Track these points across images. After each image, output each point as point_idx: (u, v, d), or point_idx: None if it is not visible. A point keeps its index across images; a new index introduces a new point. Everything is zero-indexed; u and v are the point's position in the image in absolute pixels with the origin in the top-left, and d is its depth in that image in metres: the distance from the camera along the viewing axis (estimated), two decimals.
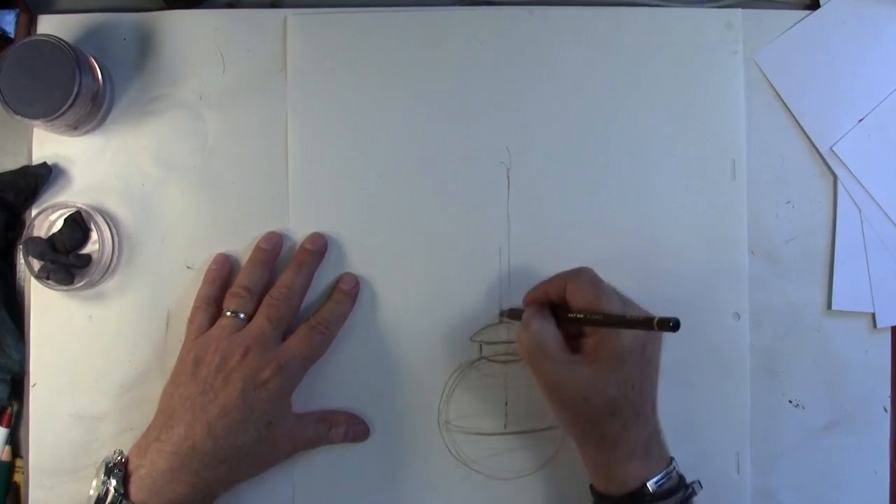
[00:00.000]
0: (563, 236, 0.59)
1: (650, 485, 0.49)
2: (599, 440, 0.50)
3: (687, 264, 0.59)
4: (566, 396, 0.50)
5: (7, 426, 0.57)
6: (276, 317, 0.54)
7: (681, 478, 0.51)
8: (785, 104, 0.60)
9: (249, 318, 0.55)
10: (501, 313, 0.58)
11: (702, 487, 0.51)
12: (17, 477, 0.58)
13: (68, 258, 0.56)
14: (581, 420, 0.50)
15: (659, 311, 0.52)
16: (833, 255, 0.60)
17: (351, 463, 0.58)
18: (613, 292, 0.51)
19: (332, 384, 0.58)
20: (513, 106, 0.59)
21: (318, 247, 0.57)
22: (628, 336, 0.49)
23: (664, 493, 0.50)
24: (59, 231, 0.56)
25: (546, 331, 0.51)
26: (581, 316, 0.50)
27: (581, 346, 0.51)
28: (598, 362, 0.49)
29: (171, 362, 0.55)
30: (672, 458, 0.51)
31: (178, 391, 0.53)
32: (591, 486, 0.52)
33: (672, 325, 0.43)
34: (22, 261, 0.57)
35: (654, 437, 0.51)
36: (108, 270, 0.57)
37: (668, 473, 0.50)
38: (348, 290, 0.57)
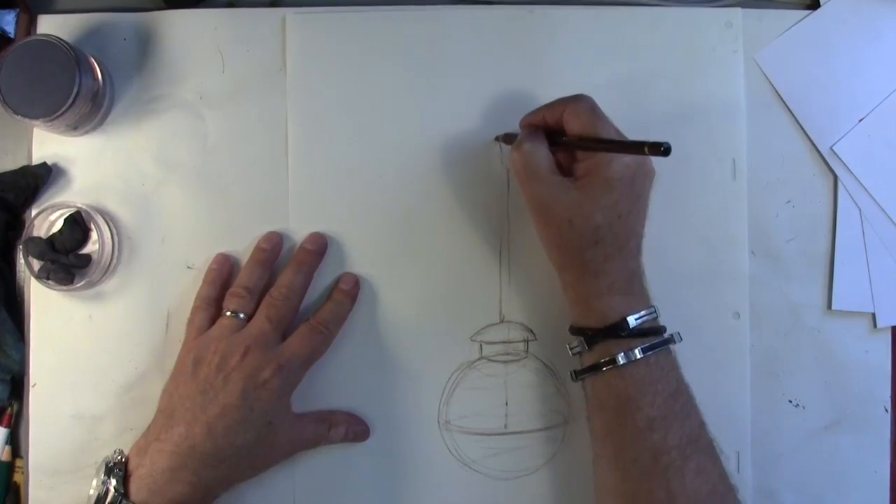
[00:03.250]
0: None
1: (630, 319, 0.50)
2: (581, 268, 0.50)
3: (687, 264, 0.59)
4: (552, 217, 0.50)
5: (7, 426, 0.57)
6: (276, 317, 0.54)
7: (661, 326, 0.51)
8: (785, 104, 0.60)
9: (249, 318, 0.55)
10: (497, 138, 0.58)
11: (681, 339, 0.52)
12: (17, 477, 0.58)
13: (68, 258, 0.56)
14: (564, 244, 0.51)
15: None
16: (833, 255, 0.60)
17: (351, 463, 0.58)
18: (610, 122, 0.51)
19: (332, 384, 0.58)
20: (513, 106, 0.59)
21: (318, 247, 0.57)
22: (619, 165, 0.49)
23: (643, 330, 0.50)
24: (59, 231, 0.57)
25: (538, 151, 0.51)
26: (574, 139, 0.50)
27: (572, 172, 0.51)
28: (587, 187, 0.50)
29: (171, 362, 0.55)
30: (654, 304, 0.51)
31: (178, 391, 0.53)
32: (571, 326, 0.53)
33: (663, 149, 0.43)
34: (22, 261, 0.56)
35: (636, 276, 0.51)
36: (108, 270, 0.57)
37: (649, 313, 0.51)
38: (348, 290, 0.57)
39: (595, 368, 0.51)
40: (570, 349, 0.53)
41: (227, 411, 0.51)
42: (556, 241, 0.51)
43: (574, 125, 0.50)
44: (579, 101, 0.51)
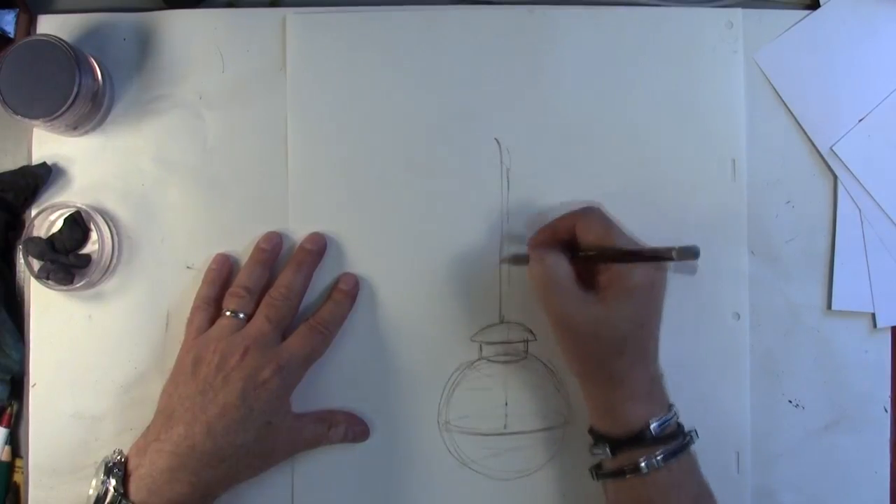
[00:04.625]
0: None
1: (653, 427, 0.50)
2: (606, 379, 0.50)
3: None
4: (578, 332, 0.50)
5: (7, 426, 0.57)
6: (275, 317, 0.54)
7: (679, 425, 0.51)
8: (785, 104, 0.60)
9: (249, 318, 0.55)
10: (502, 260, 0.58)
11: (698, 437, 0.52)
12: (17, 477, 0.58)
13: (68, 258, 0.56)
14: (589, 357, 0.51)
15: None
16: (833, 255, 0.60)
17: (351, 463, 0.58)
18: (623, 231, 0.51)
19: (332, 384, 0.58)
20: (512, 106, 0.59)
21: (318, 247, 0.57)
22: (639, 273, 0.49)
23: (666, 436, 0.50)
24: (59, 231, 0.57)
25: (560, 265, 0.51)
26: (595, 252, 0.50)
27: (592, 284, 0.51)
28: (609, 299, 0.50)
29: (171, 362, 0.55)
30: (673, 405, 0.52)
31: (178, 391, 0.53)
32: (591, 429, 0.53)
33: (694, 253, 0.43)
34: (22, 261, 0.56)
35: (656, 380, 0.51)
36: (107, 270, 0.57)
37: (668, 418, 0.51)
38: (348, 290, 0.57)
39: (617, 474, 0.51)
40: (591, 450, 0.53)
41: (227, 411, 0.51)
42: (581, 354, 0.51)
43: (589, 238, 0.51)
44: (591, 214, 0.51)
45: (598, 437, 0.52)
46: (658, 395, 0.51)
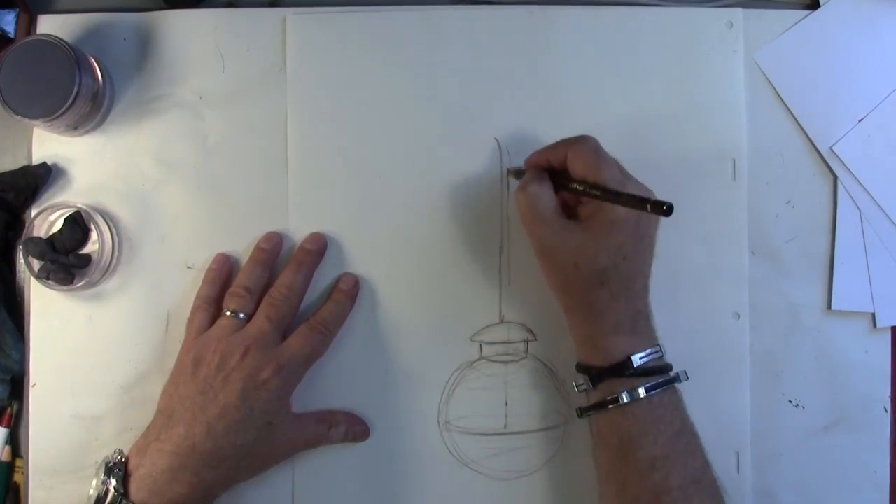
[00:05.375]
0: None
1: (634, 358, 0.50)
2: (587, 309, 0.51)
3: (687, 264, 0.59)
4: (557, 260, 0.51)
5: (7, 426, 0.57)
6: (275, 317, 0.54)
7: (667, 364, 0.51)
8: (785, 104, 0.60)
9: (249, 318, 0.55)
10: (508, 171, 0.58)
11: (687, 377, 0.52)
12: (17, 477, 0.58)
13: (68, 258, 0.56)
14: (570, 286, 0.51)
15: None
16: (833, 255, 0.60)
17: (351, 463, 0.58)
18: (614, 163, 0.51)
19: (332, 384, 0.58)
20: (513, 106, 0.59)
21: (318, 246, 0.57)
22: (623, 207, 0.49)
23: (648, 369, 0.50)
24: (59, 231, 0.56)
25: (542, 194, 0.51)
26: (579, 187, 0.50)
27: (577, 213, 0.52)
28: (591, 229, 0.50)
29: (171, 362, 0.55)
30: (659, 343, 0.52)
31: (178, 391, 0.53)
32: (577, 364, 0.53)
33: (665, 208, 0.44)
34: (22, 261, 0.56)
35: (641, 315, 0.51)
36: (107, 270, 0.57)
37: (653, 352, 0.51)
38: (348, 291, 0.57)
39: (599, 407, 0.51)
40: (577, 386, 0.53)
41: (227, 411, 0.51)
42: (561, 283, 0.52)
43: (578, 166, 0.50)
44: (583, 143, 0.51)
45: (582, 369, 0.52)
46: (643, 330, 0.51)
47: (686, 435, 0.51)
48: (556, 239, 0.50)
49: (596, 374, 0.51)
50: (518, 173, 0.57)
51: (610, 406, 0.50)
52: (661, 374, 0.51)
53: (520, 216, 0.52)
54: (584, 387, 0.52)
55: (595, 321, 0.51)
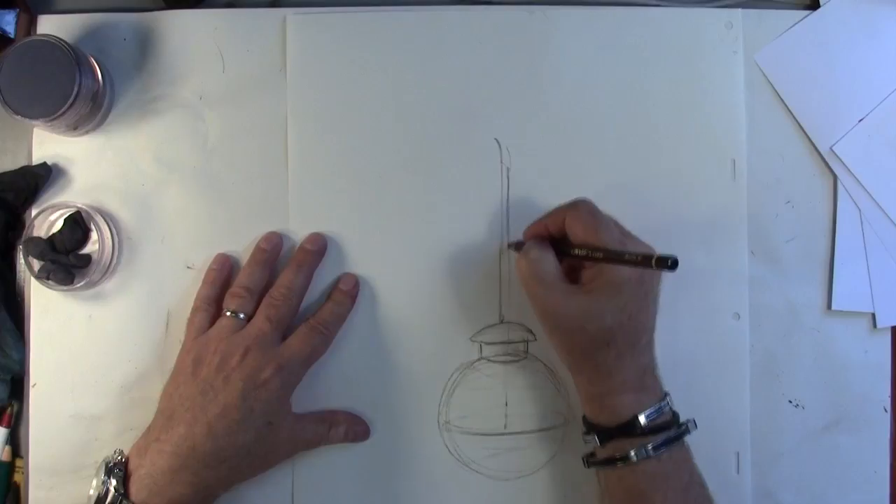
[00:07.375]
0: None
1: (641, 417, 0.50)
2: (594, 370, 0.51)
3: (687, 264, 0.59)
4: (562, 324, 0.50)
5: (7, 426, 0.57)
6: (275, 317, 0.54)
7: (675, 414, 0.51)
8: (785, 104, 0.60)
9: (249, 319, 0.55)
10: (509, 245, 0.58)
11: (696, 427, 0.52)
12: (17, 477, 0.58)
13: (68, 258, 0.56)
14: (576, 349, 0.51)
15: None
16: (833, 255, 0.60)
17: (351, 463, 0.58)
18: (612, 223, 0.51)
19: (332, 384, 0.58)
20: (513, 106, 0.59)
21: (318, 247, 0.58)
22: (626, 268, 0.49)
23: (656, 427, 0.50)
24: (59, 231, 0.57)
25: (545, 259, 0.51)
26: (580, 252, 0.50)
27: (579, 277, 0.52)
28: (595, 292, 0.50)
29: (171, 362, 0.55)
30: (667, 394, 0.51)
31: (178, 391, 0.53)
32: (584, 417, 0.53)
33: (670, 263, 0.44)
34: (22, 261, 0.56)
35: (648, 370, 0.51)
36: (108, 270, 0.57)
37: (660, 408, 0.50)
38: (348, 291, 0.57)
39: (607, 463, 0.51)
40: (584, 441, 0.53)
41: (228, 411, 0.51)
42: (567, 346, 0.51)
43: (577, 231, 0.50)
44: (579, 207, 0.51)
45: (590, 426, 0.52)
46: (650, 385, 0.51)
47: (695, 487, 0.50)
48: (560, 303, 0.50)
49: (604, 434, 0.51)
50: (518, 246, 0.57)
51: (618, 463, 0.50)
52: (668, 429, 0.50)
53: (522, 283, 0.52)
54: (591, 443, 0.52)
55: (602, 381, 0.51)
